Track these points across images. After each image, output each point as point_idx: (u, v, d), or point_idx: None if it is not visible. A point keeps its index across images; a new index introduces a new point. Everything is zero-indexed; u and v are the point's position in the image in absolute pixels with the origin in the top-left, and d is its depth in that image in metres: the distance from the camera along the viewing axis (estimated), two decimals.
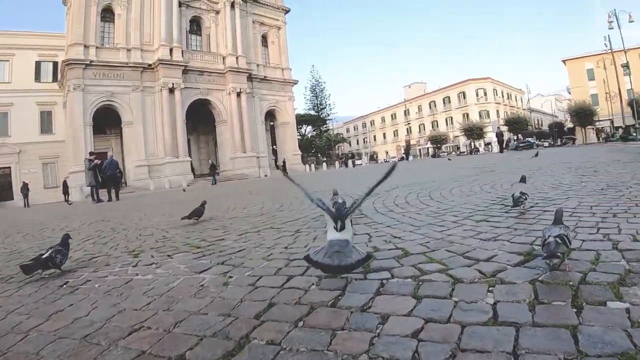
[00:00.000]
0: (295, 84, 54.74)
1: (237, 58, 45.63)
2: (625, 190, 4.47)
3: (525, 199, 3.69)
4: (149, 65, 39.56)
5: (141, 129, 38.68)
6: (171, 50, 40.29)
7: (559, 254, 1.97)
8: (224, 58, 45.24)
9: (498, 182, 7.06)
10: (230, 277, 2.58)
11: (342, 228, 2.17)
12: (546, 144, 58.65)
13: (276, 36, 53.24)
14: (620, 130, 49.40)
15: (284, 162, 42.81)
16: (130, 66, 38.73)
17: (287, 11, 54.75)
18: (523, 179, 4.03)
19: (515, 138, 63.88)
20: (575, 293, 1.75)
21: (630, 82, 45.57)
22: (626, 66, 43.25)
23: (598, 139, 56.52)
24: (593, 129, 61.44)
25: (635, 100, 44.25)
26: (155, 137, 39.36)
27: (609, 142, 40.12)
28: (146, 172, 38.18)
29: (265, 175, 42.42)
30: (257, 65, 49.67)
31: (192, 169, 40.78)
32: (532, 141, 55.96)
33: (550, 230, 2.06)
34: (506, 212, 3.88)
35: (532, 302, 1.71)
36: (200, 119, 45.92)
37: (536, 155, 16.69)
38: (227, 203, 8.79)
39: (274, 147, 54.97)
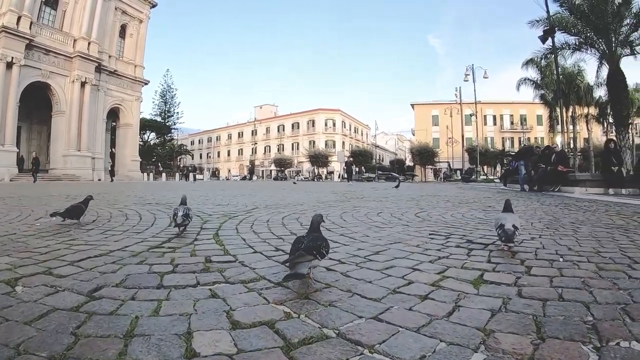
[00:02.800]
0: (146, 84, 49.85)
1: (89, 44, 39.81)
2: (581, 231, 3.95)
3: (517, 235, 2.92)
4: None
5: None
6: (19, 18, 33.61)
7: None
8: (75, 41, 39.20)
9: (389, 210, 6.27)
10: None
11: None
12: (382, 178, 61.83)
13: (136, 29, 47.92)
14: (458, 173, 54.76)
15: (111, 166, 37.66)
16: None
17: (153, 5, 49.76)
18: (509, 206, 3.14)
19: (357, 170, 66.53)
20: None
21: (476, 130, 50.52)
22: (473, 115, 47.63)
23: (436, 178, 61.76)
24: (432, 168, 66.56)
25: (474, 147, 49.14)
26: None
27: (447, 181, 43.69)
28: None
29: (99, 179, 37.20)
30: (110, 56, 43.93)
31: (22, 161, 33.80)
32: (396, 175, 59.21)
33: None
34: (488, 260, 2.65)
35: None
36: (37, 105, 38.97)
37: (397, 186, 16.86)
38: (23, 208, 6.08)
39: (113, 150, 49.20)
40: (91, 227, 3.98)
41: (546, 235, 3.63)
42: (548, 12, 20.77)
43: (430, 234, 3.69)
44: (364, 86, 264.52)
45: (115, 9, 44.78)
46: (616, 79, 21.38)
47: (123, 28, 46.97)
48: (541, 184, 14.07)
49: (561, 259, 2.62)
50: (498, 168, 63.55)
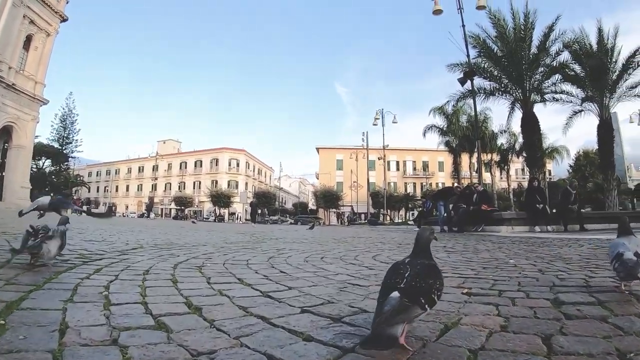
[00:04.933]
0: (46, 103, 45.02)
1: None
2: None
3: None
4: None
5: None
6: None
7: None
8: None
9: (330, 254, 4.61)
10: None
11: None
12: (292, 221, 62.02)
13: (42, 42, 43.27)
14: (363, 216, 56.55)
15: None
16: None
17: (64, 19, 45.70)
18: (625, 228, 2.14)
19: (259, 212, 65.99)
20: None
21: (383, 174, 51.41)
22: (381, 158, 48.48)
23: (339, 222, 61.64)
24: (335, 212, 67.17)
25: (379, 191, 50.66)
26: None
27: (352, 225, 43.50)
28: None
29: None
30: (10, 68, 38.82)
31: None
32: (312, 217, 59.14)
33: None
34: None
35: None
36: None
37: (311, 227, 16.21)
38: None
39: (2, 174, 43.77)
40: None
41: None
42: (468, 55, 20.91)
43: (462, 292, 2.18)
44: (269, 128, 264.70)
45: (24, 17, 40.05)
46: (530, 124, 22.27)
47: (28, 39, 42.07)
48: (462, 225, 13.66)
49: None
50: (402, 212, 65.56)
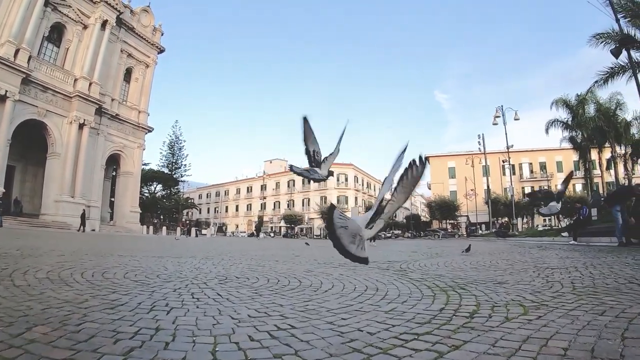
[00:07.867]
0: (150, 131, 47.27)
1: (90, 84, 37.49)
2: None
3: None
4: None
5: None
6: (17, 51, 31.56)
7: None
8: (75, 80, 36.88)
9: None
10: None
11: None
12: (408, 234, 60.03)
13: (142, 74, 46.02)
14: (483, 226, 54.82)
15: (83, 213, 32.93)
16: None
17: (161, 50, 48.20)
18: None
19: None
20: None
21: (510, 178, 47.03)
22: (506, 162, 43.65)
23: (457, 234, 58.17)
24: (451, 223, 64.06)
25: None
26: None
27: (472, 237, 40.93)
28: None
29: (93, 230, 33.22)
30: (112, 100, 41.63)
31: (13, 204, 29.57)
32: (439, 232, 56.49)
33: None
34: None
35: None
36: (33, 145, 36.28)
37: (467, 250, 10.36)
38: None
39: (112, 199, 45.79)
40: None
41: None
42: (618, 20, 17.88)
43: None
44: (372, 140, 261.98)
45: (121, 51, 43.19)
46: None
47: (128, 71, 45.22)
48: None
49: None
50: (524, 220, 61.24)
